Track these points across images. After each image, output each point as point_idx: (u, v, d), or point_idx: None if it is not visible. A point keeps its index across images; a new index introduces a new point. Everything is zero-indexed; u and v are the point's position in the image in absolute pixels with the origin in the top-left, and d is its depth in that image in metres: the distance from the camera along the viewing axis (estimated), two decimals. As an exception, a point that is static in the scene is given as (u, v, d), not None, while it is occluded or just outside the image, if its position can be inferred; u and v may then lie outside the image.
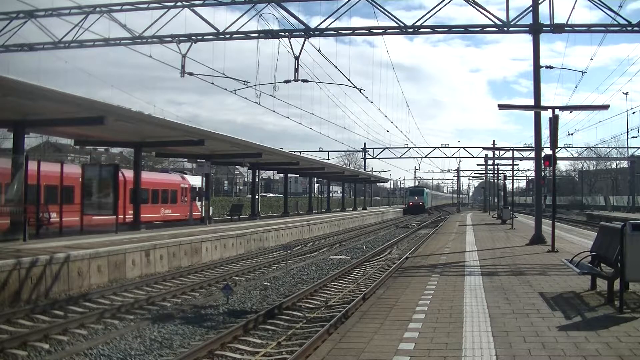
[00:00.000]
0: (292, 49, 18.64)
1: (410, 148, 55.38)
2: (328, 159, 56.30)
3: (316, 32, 18.32)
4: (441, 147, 57.61)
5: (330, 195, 69.14)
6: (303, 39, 18.51)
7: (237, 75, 21.01)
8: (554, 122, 14.31)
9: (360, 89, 25.64)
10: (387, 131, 53.77)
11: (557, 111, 14.42)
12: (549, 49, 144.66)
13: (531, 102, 18.20)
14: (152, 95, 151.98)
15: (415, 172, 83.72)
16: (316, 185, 64.97)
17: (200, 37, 18.81)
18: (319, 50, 19.83)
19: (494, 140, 60.49)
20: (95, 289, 12.51)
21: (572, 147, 53.81)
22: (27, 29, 19.69)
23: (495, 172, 53.40)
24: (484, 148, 56.14)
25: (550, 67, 22.01)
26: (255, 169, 38.85)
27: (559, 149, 34.51)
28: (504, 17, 17.27)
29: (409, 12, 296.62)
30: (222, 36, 18.70)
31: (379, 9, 17.77)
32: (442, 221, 46.22)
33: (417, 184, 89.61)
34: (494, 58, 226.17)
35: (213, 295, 12.27)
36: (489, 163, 55.72)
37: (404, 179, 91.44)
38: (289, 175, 49.05)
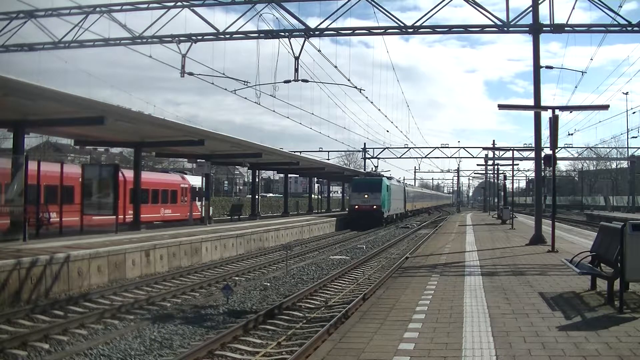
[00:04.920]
0: (292, 49, 18.66)
1: (410, 148, 55.19)
2: (328, 159, 56.19)
3: (316, 32, 18.31)
4: (441, 147, 57.46)
5: (330, 195, 69.11)
6: (303, 39, 18.51)
7: (236, 75, 21.11)
8: (554, 122, 14.32)
9: (360, 89, 25.58)
10: (387, 131, 53.46)
11: (557, 111, 14.42)
12: (545, 50, 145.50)
13: (529, 102, 18.27)
14: (150, 95, 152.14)
15: (415, 172, 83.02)
16: (316, 185, 64.87)
17: (200, 37, 18.81)
18: (319, 51, 19.85)
19: (494, 140, 60.32)
20: (95, 289, 12.51)
21: (572, 147, 53.77)
22: (27, 29, 19.72)
23: (495, 172, 53.39)
24: (484, 148, 56.06)
25: (550, 67, 22.06)
26: (255, 169, 38.86)
27: (559, 149, 34.53)
28: (502, 17, 17.30)
29: (404, 13, 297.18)
30: (222, 36, 18.70)
31: (378, 9, 17.78)
32: (442, 221, 46.23)
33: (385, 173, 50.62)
34: (490, 58, 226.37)
35: (213, 295, 12.27)
36: (489, 163, 55.66)
37: (404, 179, 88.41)
38: (289, 175, 49.03)
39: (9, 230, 15.65)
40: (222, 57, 23.20)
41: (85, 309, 10.70)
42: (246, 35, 18.90)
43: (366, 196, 38.40)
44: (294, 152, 42.25)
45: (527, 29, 17.28)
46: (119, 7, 19.03)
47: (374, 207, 38.07)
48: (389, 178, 46.23)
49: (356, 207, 38.57)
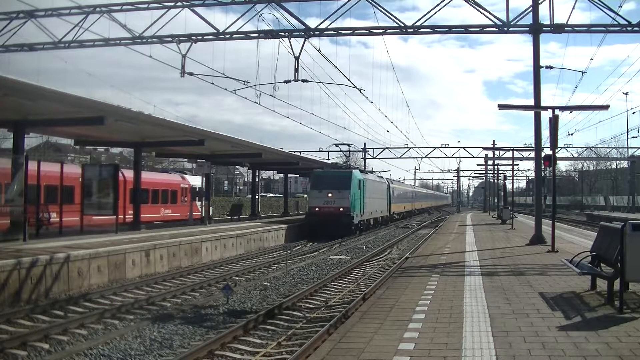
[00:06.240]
0: (292, 49, 18.65)
1: (410, 148, 55.09)
2: (328, 159, 56.08)
3: (316, 32, 18.31)
4: (441, 147, 57.38)
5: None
6: (303, 39, 18.51)
7: (236, 75, 21.06)
8: (554, 122, 14.32)
9: (360, 89, 25.55)
10: (387, 131, 53.35)
11: (557, 111, 14.43)
12: (544, 50, 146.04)
13: (528, 102, 18.28)
14: (150, 95, 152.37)
15: (415, 172, 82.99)
16: (316, 185, 64.49)
17: (200, 37, 18.81)
18: (319, 51, 19.84)
19: (494, 141, 60.25)
20: (95, 289, 12.52)
21: (572, 147, 53.65)
22: (27, 29, 19.71)
23: (495, 172, 53.36)
24: (484, 148, 56.00)
25: (550, 67, 22.07)
26: (255, 169, 38.89)
27: (559, 149, 34.52)
28: (502, 17, 17.31)
29: (403, 14, 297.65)
30: (222, 36, 18.70)
31: (378, 9, 17.76)
32: (442, 221, 46.25)
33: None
34: (489, 59, 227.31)
35: (213, 295, 12.27)
36: (489, 163, 55.62)
37: (404, 179, 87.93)
38: (289, 175, 48.97)
39: (9, 230, 15.66)
40: (222, 57, 23.20)
41: (85, 309, 10.70)
42: (246, 35, 18.90)
43: (330, 195, 29.10)
44: (294, 152, 42.22)
45: (527, 29, 17.28)
46: (119, 7, 19.03)
47: (341, 209, 28.75)
48: (366, 172, 37.88)
49: (316, 209, 29.12)
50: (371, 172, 42.37)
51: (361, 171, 34.72)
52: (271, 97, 21.50)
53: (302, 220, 30.44)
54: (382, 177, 44.92)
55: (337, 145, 36.49)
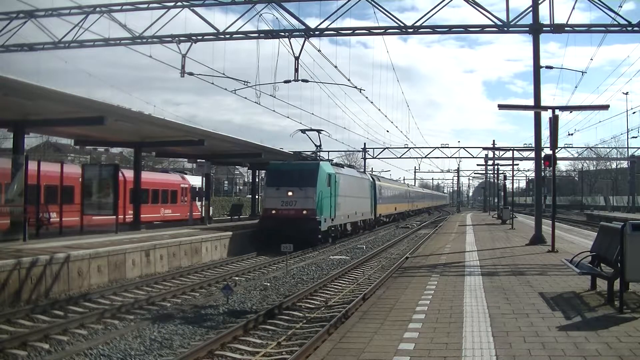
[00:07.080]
0: (292, 49, 18.64)
1: (410, 148, 55.05)
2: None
3: (316, 32, 18.31)
4: (441, 147, 57.33)
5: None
6: (303, 39, 18.51)
7: (236, 75, 21.06)
8: (554, 122, 14.33)
9: (360, 89, 25.53)
10: (387, 131, 53.31)
11: (557, 111, 14.44)
12: (543, 50, 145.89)
13: (528, 102, 18.27)
14: (149, 95, 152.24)
15: (415, 172, 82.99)
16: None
17: (200, 37, 18.81)
18: (319, 51, 19.83)
19: (494, 141, 60.21)
20: (95, 289, 12.52)
21: (572, 147, 53.63)
22: (27, 29, 19.71)
23: (495, 172, 53.36)
24: (484, 148, 55.96)
25: (551, 67, 22.11)
26: (255, 169, 38.87)
27: (559, 149, 34.49)
28: (502, 17, 17.31)
29: (402, 14, 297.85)
30: (222, 36, 18.70)
31: (378, 9, 17.76)
32: (442, 221, 46.26)
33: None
34: (488, 59, 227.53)
35: (213, 295, 12.28)
36: (489, 163, 55.61)
37: (404, 179, 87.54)
38: (289, 175, 48.71)
39: (9, 230, 15.68)
40: (222, 57, 23.20)
41: (85, 309, 10.70)
42: (246, 36, 18.90)
43: (290, 193, 22.82)
44: (294, 152, 42.13)
45: (527, 29, 17.28)
46: (119, 7, 19.02)
47: (304, 212, 22.49)
48: (341, 165, 32.11)
49: (272, 211, 22.90)
50: (350, 165, 37.02)
51: (334, 164, 28.38)
52: (271, 97, 21.50)
53: (255, 226, 24.01)
54: (364, 172, 39.59)
55: (303, 131, 27.64)
